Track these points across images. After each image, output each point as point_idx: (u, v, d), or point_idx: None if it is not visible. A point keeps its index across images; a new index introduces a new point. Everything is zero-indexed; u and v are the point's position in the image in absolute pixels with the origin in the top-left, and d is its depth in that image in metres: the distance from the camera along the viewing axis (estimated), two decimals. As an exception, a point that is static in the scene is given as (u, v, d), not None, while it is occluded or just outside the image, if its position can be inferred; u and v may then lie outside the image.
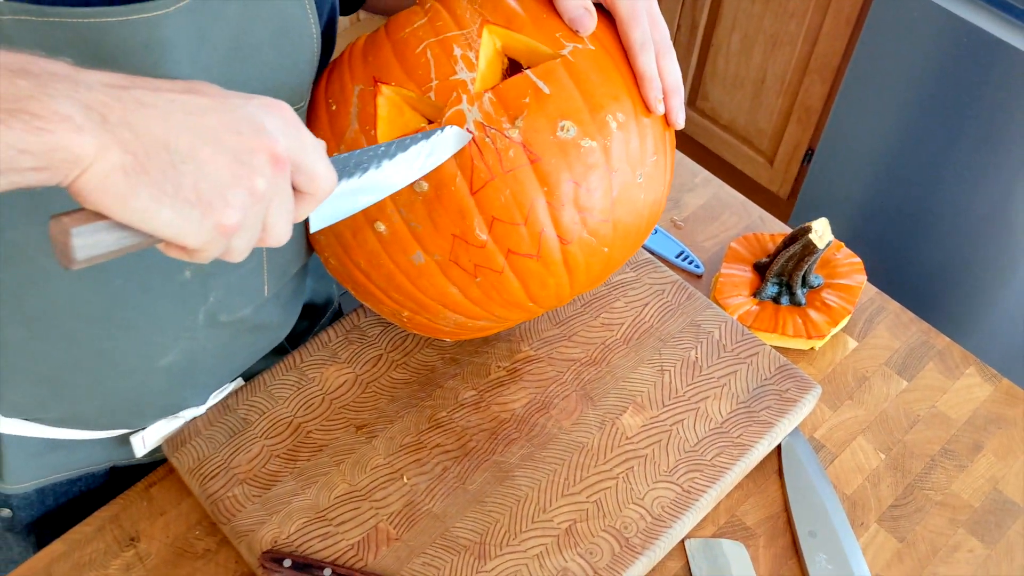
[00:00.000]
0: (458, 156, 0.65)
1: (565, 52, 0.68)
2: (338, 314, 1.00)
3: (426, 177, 0.66)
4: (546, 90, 0.66)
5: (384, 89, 0.69)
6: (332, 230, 0.72)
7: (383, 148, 0.61)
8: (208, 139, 0.46)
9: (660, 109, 0.69)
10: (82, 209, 0.44)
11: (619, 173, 0.67)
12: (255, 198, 0.47)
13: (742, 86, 2.02)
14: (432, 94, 0.67)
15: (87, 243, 0.44)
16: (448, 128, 0.64)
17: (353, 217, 0.69)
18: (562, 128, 0.66)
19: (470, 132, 0.65)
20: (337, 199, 0.59)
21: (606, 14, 0.70)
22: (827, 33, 1.78)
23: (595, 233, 0.68)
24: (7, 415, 0.72)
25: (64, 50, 0.52)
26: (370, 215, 0.68)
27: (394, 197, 0.67)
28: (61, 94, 0.41)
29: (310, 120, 0.72)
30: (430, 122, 0.68)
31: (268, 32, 0.61)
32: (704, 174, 1.07)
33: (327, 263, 0.77)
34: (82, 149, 0.41)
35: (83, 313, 0.64)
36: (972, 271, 1.76)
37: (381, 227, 0.68)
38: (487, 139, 0.65)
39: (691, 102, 2.15)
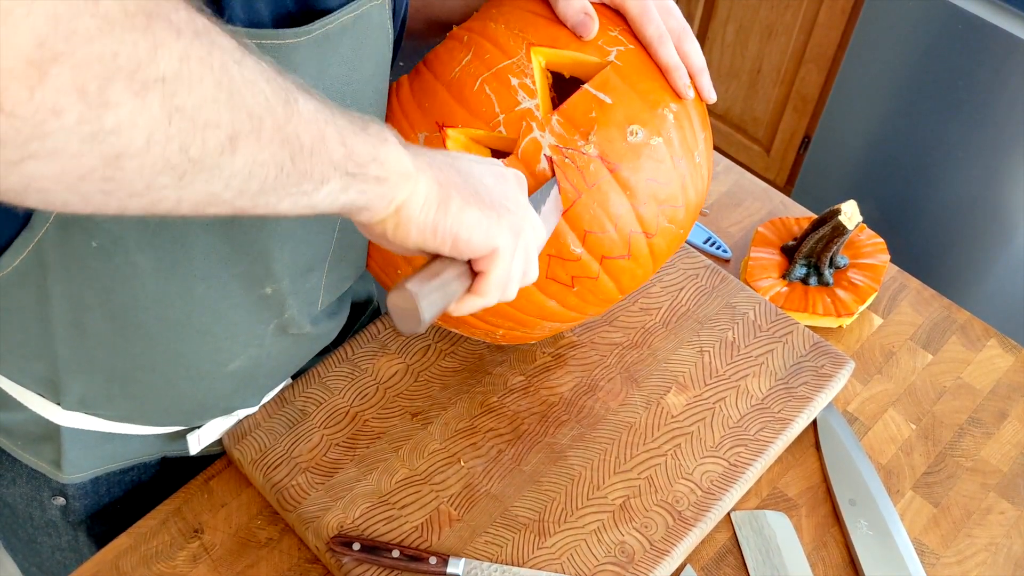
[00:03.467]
0: (540, 182, 0.68)
1: (611, 58, 0.71)
2: (377, 311, 1.02)
3: None
4: (608, 100, 0.69)
5: (451, 132, 0.70)
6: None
7: (537, 195, 0.66)
8: (481, 171, 0.58)
9: (690, 95, 0.73)
10: (407, 276, 0.54)
11: (683, 160, 0.71)
12: (522, 209, 0.58)
13: (737, 76, 2.06)
14: (502, 128, 0.69)
15: (428, 300, 0.53)
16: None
17: None
18: (631, 133, 0.69)
19: (547, 158, 0.68)
20: None
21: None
22: (822, 23, 1.82)
23: (673, 220, 0.72)
24: (68, 408, 0.74)
25: None
26: None
27: None
28: (387, 135, 0.51)
29: None
30: (500, 154, 0.71)
31: (370, 68, 0.64)
32: (725, 162, 1.11)
33: None
34: (410, 166, 0.51)
35: (165, 314, 0.66)
36: (966, 249, 1.81)
37: None
38: (567, 160, 0.68)
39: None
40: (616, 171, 0.69)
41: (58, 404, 0.74)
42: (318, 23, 0.58)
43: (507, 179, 0.59)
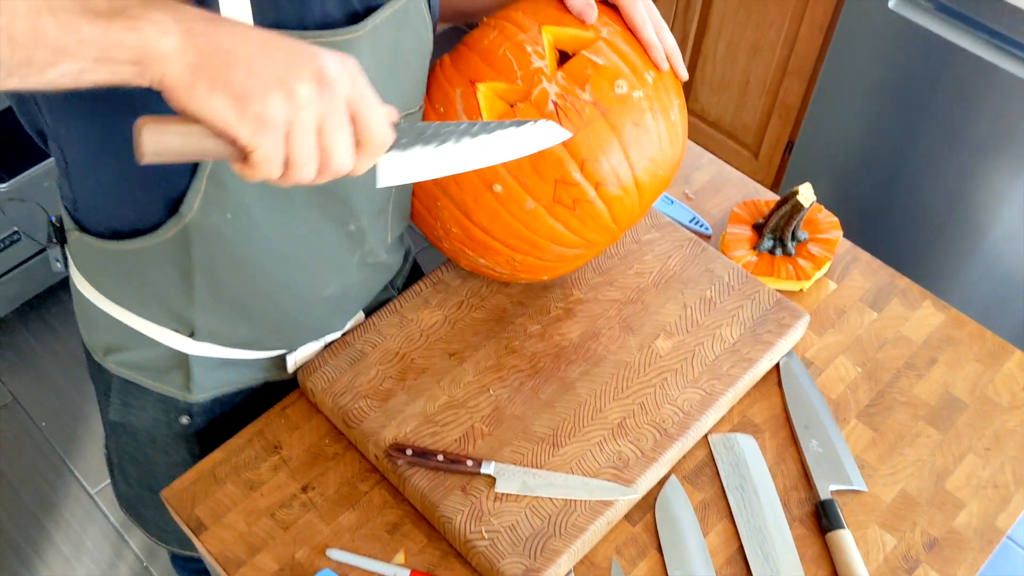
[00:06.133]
0: (550, 119, 0.88)
1: (603, 34, 0.93)
2: (416, 265, 1.22)
3: None
4: (600, 62, 0.91)
5: (480, 86, 0.92)
6: (454, 200, 0.95)
7: (464, 126, 0.70)
8: (266, 54, 0.58)
9: (665, 66, 0.95)
10: (163, 116, 0.58)
11: (660, 114, 0.93)
12: (294, 104, 0.57)
13: (728, 88, 2.26)
14: (519, 81, 0.91)
15: (155, 139, 0.57)
16: (541, 122, 0.74)
17: (472, 184, 0.92)
18: (618, 86, 0.90)
19: (554, 103, 0.88)
20: (412, 161, 0.68)
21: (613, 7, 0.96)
22: (803, 39, 2.03)
23: (653, 160, 0.93)
24: (199, 340, 0.95)
25: None
26: (487, 180, 0.91)
27: (504, 163, 0.90)
28: (160, 9, 0.55)
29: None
30: (517, 102, 0.92)
31: (411, 48, 0.85)
32: (708, 156, 1.31)
33: (449, 233, 0.99)
34: (164, 48, 0.55)
35: (276, 254, 0.87)
36: (940, 245, 2.01)
37: (498, 188, 0.91)
38: (568, 104, 0.89)
39: (682, 103, 2.39)
40: (606, 114, 0.90)
41: (190, 337, 0.94)
42: (370, 19, 0.79)
43: (301, 57, 0.59)
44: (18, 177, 1.95)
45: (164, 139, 0.58)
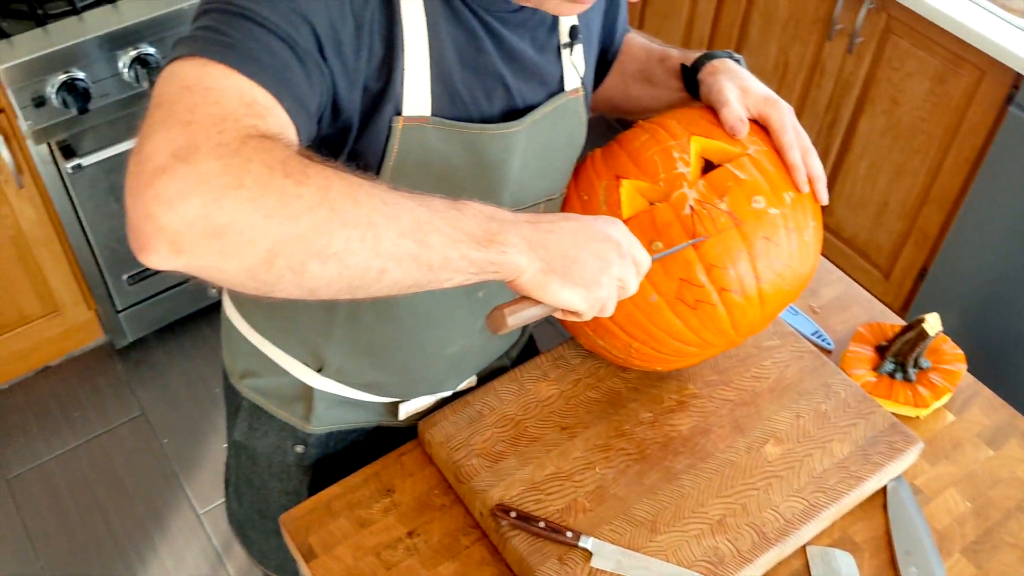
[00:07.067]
0: (683, 223, 0.94)
1: (750, 151, 0.97)
2: (532, 340, 1.28)
3: (659, 237, 0.95)
4: (741, 176, 0.95)
5: (624, 182, 0.98)
6: None
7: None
8: (582, 246, 0.76)
9: (805, 189, 0.99)
10: (513, 303, 0.78)
11: (794, 232, 0.96)
12: (612, 277, 0.78)
13: (865, 207, 2.27)
14: (661, 183, 0.96)
15: (517, 318, 0.79)
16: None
17: None
18: (755, 201, 0.94)
19: (691, 208, 0.93)
20: None
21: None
22: (947, 170, 2.03)
23: (780, 275, 0.96)
24: (325, 375, 1.03)
25: (455, 145, 0.83)
26: None
27: None
28: (509, 231, 0.72)
29: (565, 206, 1.02)
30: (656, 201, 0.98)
31: (563, 142, 0.92)
32: (839, 273, 1.33)
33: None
34: (521, 262, 0.72)
35: (414, 311, 0.94)
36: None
37: None
38: (703, 211, 0.94)
39: (817, 217, 2.41)
40: (740, 225, 0.94)
41: (318, 371, 1.02)
42: (529, 116, 0.87)
43: (600, 239, 0.78)
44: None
45: (520, 318, 0.79)
